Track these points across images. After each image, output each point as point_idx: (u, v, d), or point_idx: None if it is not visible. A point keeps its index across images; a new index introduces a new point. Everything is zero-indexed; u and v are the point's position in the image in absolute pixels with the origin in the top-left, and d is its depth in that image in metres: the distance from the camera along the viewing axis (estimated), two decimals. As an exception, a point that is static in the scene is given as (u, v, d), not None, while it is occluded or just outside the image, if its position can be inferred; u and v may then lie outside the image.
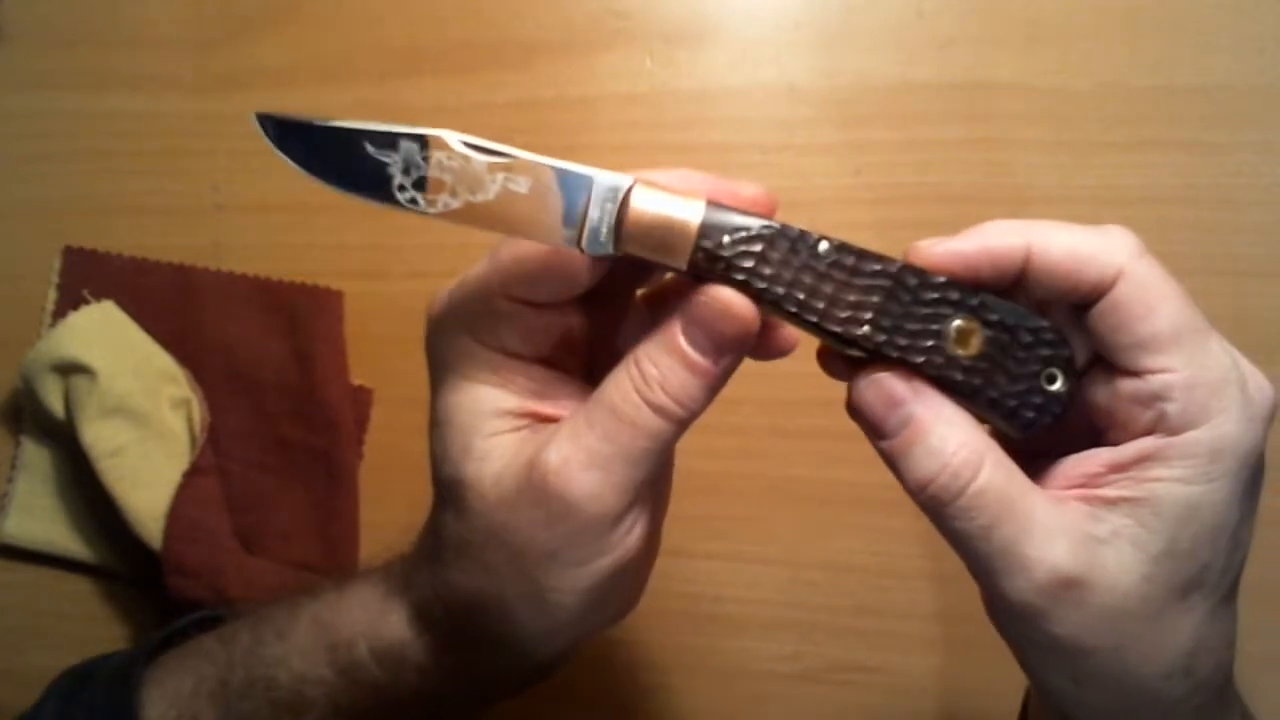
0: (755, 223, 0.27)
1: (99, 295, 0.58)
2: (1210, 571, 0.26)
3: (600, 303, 0.31)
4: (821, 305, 0.27)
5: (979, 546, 0.26)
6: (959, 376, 0.28)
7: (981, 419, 0.29)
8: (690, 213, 0.27)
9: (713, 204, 0.27)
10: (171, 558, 0.53)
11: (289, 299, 0.57)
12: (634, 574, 0.31)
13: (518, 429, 0.30)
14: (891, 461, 0.28)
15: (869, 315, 0.27)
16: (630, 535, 0.29)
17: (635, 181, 0.27)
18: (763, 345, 0.30)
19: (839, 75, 0.56)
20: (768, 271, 0.27)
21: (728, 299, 0.27)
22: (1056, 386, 0.28)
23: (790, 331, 0.31)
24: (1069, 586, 0.26)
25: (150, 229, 0.60)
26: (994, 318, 0.28)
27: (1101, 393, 0.28)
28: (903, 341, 0.27)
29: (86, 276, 0.59)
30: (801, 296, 0.27)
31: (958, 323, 0.27)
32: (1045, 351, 0.28)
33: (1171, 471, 0.26)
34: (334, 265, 0.58)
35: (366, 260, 0.58)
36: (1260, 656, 0.38)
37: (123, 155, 0.61)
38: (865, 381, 0.28)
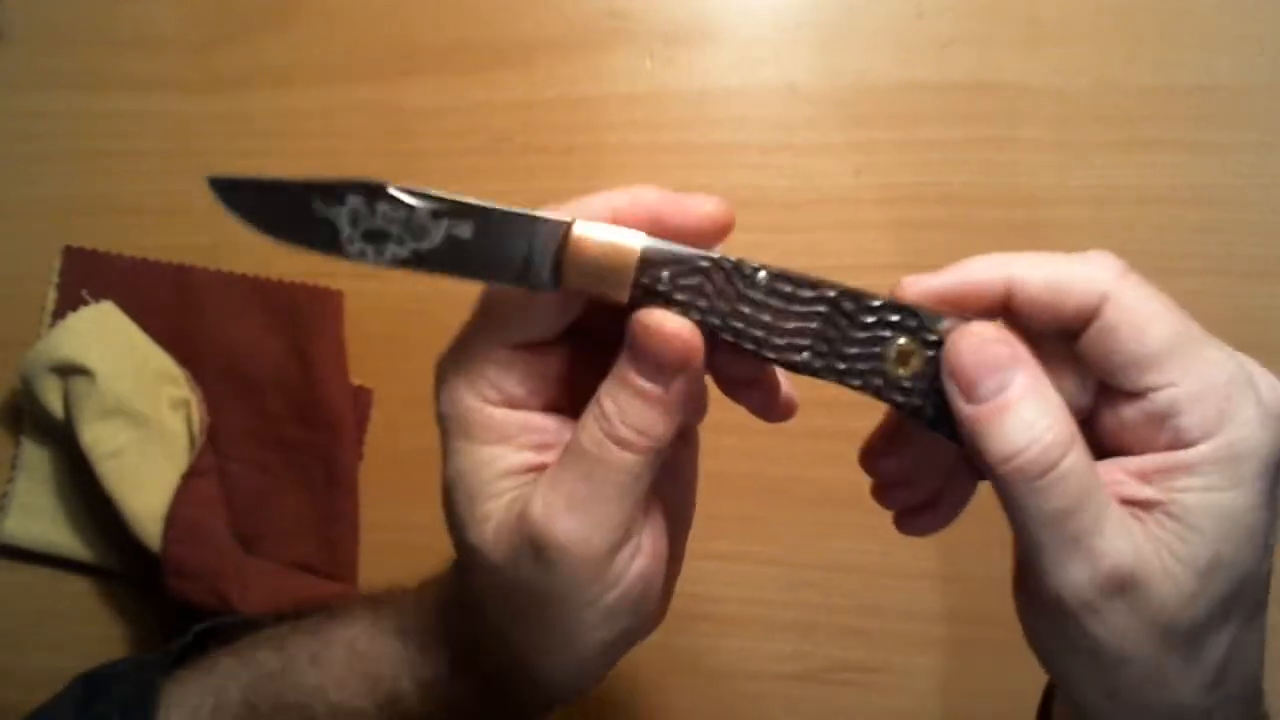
0: (690, 254, 0.27)
1: (99, 295, 0.58)
2: (1250, 581, 0.26)
3: (604, 341, 0.30)
4: (759, 333, 0.27)
5: (1047, 532, 0.25)
6: (899, 398, 0.27)
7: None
8: (627, 249, 0.27)
9: (652, 237, 0.27)
10: (170, 560, 0.53)
11: (289, 299, 0.57)
12: (652, 593, 0.30)
13: (521, 486, 0.29)
14: (975, 427, 0.26)
15: (807, 342, 0.27)
16: (633, 566, 0.29)
17: (573, 221, 0.27)
18: (767, 407, 0.31)
19: (839, 75, 0.56)
20: (703, 303, 0.27)
21: (659, 321, 0.27)
22: None
23: (791, 394, 0.31)
24: (1126, 586, 0.25)
25: (150, 229, 0.60)
26: (933, 337, 0.27)
27: (1112, 420, 0.27)
28: (841, 366, 0.27)
29: (86, 276, 0.59)
30: (739, 325, 0.27)
31: (901, 342, 0.27)
32: None
33: (1202, 480, 0.25)
34: (334, 265, 0.57)
35: (366, 260, 0.58)
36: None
37: (123, 155, 0.61)
38: (965, 338, 0.26)
